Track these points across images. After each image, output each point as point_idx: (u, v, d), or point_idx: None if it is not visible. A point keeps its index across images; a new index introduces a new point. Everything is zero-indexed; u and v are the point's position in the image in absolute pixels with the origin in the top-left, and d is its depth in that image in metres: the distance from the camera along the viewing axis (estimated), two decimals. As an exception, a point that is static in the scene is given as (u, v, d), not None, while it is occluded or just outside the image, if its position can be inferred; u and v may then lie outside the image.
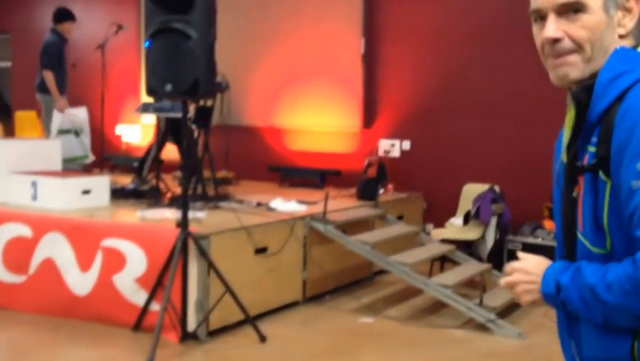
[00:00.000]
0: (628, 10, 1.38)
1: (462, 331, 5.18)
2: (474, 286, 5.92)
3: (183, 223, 4.61)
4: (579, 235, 1.44)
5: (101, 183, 5.99)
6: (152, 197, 6.16)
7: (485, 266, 6.08)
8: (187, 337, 4.68)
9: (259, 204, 6.09)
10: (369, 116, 7.97)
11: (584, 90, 1.37)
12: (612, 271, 1.32)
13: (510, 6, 7.08)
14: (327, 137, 8.18)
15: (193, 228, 4.76)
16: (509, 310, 5.58)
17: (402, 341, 4.96)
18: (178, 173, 6.86)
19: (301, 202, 6.24)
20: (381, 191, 7.10)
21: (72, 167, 6.97)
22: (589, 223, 1.37)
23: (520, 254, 1.57)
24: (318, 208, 5.93)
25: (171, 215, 5.29)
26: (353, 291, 6.19)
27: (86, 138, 7.29)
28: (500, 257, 6.64)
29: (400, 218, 6.97)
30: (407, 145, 7.80)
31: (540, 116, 7.00)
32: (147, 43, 4.63)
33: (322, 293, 5.96)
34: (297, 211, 5.92)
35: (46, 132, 7.34)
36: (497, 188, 6.79)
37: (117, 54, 8.99)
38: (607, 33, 1.37)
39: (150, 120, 8.51)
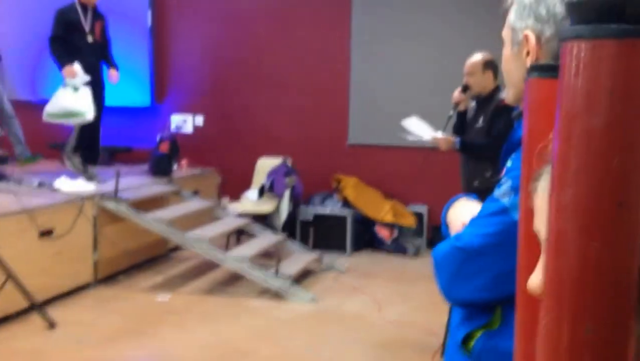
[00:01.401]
0: (527, 51, 1.39)
1: (259, 301, 5.30)
2: (270, 257, 6.06)
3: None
4: None
5: None
6: None
7: (280, 237, 6.25)
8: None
9: (40, 184, 5.75)
10: (160, 91, 7.81)
11: (518, 115, 1.44)
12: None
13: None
14: (115, 112, 7.87)
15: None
16: (303, 276, 5.81)
17: (200, 316, 4.97)
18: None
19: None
20: (175, 167, 7.02)
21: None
22: None
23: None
24: (109, 187, 5.73)
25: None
26: (149, 270, 6.08)
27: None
28: (293, 227, 6.86)
29: (195, 193, 6.94)
30: (200, 120, 7.76)
31: (328, 92, 7.30)
32: None
33: (115, 273, 5.78)
34: (85, 190, 5.67)
35: None
36: (289, 162, 6.99)
37: None
38: (515, 67, 1.40)
39: None
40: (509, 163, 1.34)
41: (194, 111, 7.74)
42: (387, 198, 7.06)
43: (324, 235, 6.80)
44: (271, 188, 6.70)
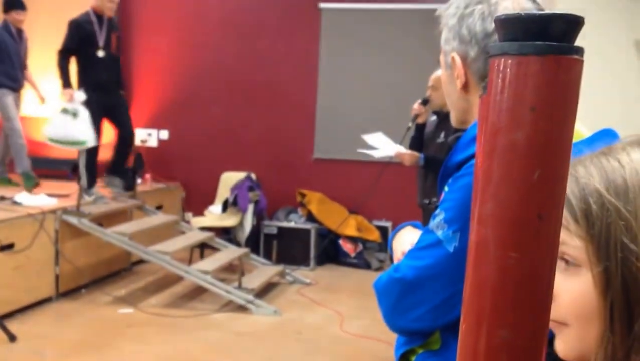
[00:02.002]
0: (456, 74, 1.40)
1: (221, 314, 5.30)
2: (234, 270, 6.07)
3: None
4: None
5: None
6: None
7: (244, 250, 6.26)
8: None
9: (1, 198, 5.69)
10: (125, 105, 7.76)
11: (455, 139, 1.44)
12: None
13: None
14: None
15: None
16: (266, 289, 5.82)
17: (161, 329, 4.95)
18: None
19: (51, 194, 5.93)
20: (139, 181, 6.99)
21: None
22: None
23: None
24: (71, 201, 5.69)
25: None
26: (111, 283, 6.04)
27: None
28: (257, 241, 6.88)
29: (159, 207, 6.92)
30: (164, 134, 7.75)
31: (294, 107, 7.34)
32: None
33: (77, 287, 5.73)
34: (46, 204, 5.62)
35: None
36: (253, 176, 7.02)
37: None
38: (452, 90, 1.40)
39: None
40: (446, 188, 1.34)
41: (158, 125, 7.73)
42: (352, 213, 7.12)
43: (287, 248, 6.83)
44: (235, 202, 6.71)
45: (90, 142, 5.74)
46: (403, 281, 1.32)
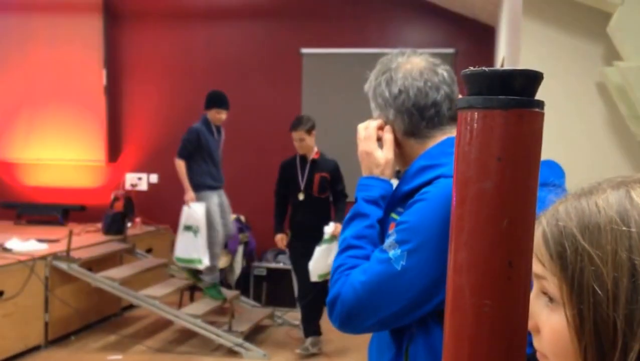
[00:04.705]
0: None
1: (212, 358, 5.27)
2: (224, 313, 6.04)
3: None
4: None
5: None
6: None
7: (234, 293, 6.24)
8: None
9: (-8, 245, 5.68)
10: (114, 150, 7.82)
11: (398, 172, 1.58)
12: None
13: (248, 43, 7.45)
14: (69, 170, 7.85)
15: None
16: (256, 332, 5.80)
17: (152, 375, 4.91)
18: None
19: (41, 240, 5.92)
20: (129, 225, 6.98)
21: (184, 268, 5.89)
22: None
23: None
24: (61, 246, 5.69)
25: None
26: (101, 329, 5.99)
27: (202, 239, 5.71)
28: (247, 282, 6.86)
29: (149, 251, 6.91)
30: (154, 178, 7.77)
31: (278, 149, 7.38)
32: None
33: (67, 334, 5.69)
34: (36, 250, 5.61)
35: None
36: (242, 218, 7.03)
37: None
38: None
39: None
40: (394, 216, 1.49)
41: (149, 169, 7.76)
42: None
43: (277, 290, 6.80)
44: (225, 244, 6.71)
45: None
46: (353, 296, 1.42)
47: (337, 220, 5.34)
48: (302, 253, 5.37)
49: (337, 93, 7.34)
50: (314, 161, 5.55)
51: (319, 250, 5.18)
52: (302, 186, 5.50)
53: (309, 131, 5.52)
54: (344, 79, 7.26)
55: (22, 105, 7.83)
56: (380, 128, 1.59)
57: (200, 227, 5.66)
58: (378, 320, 1.42)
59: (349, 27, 7.39)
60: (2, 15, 7.88)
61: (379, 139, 1.59)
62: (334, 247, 5.22)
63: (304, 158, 5.58)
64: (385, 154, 1.57)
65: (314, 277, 5.16)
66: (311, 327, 5.44)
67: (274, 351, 5.40)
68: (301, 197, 5.50)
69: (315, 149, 5.59)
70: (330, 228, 5.23)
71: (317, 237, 5.21)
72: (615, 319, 0.69)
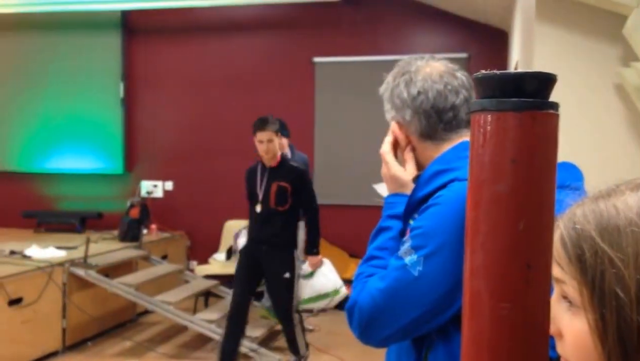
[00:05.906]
0: (399, 139, 1.59)
1: (227, 364, 5.26)
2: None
3: None
4: None
5: None
6: None
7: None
8: None
9: (12, 252, 5.73)
10: (131, 158, 7.90)
11: (415, 178, 1.57)
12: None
13: (261, 54, 7.49)
14: (86, 180, 7.95)
15: None
16: (271, 337, 5.80)
17: (169, 381, 4.93)
18: None
19: (60, 247, 5.98)
20: (145, 232, 7.03)
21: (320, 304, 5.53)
22: None
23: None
24: (79, 253, 5.73)
25: None
26: (117, 335, 6.03)
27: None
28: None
29: (164, 257, 6.94)
30: (169, 185, 7.82)
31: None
32: None
33: (84, 340, 5.73)
34: (55, 257, 5.66)
35: None
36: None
37: None
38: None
39: None
40: (411, 222, 1.46)
41: (164, 177, 7.81)
42: (352, 257, 7.12)
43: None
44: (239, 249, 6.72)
45: (343, 289, 5.35)
46: (370, 303, 1.41)
47: (310, 245, 4.95)
48: (247, 266, 4.97)
49: (350, 102, 7.37)
50: (272, 169, 4.88)
51: (301, 282, 5.07)
52: (260, 197, 4.89)
53: (277, 132, 4.87)
54: (356, 86, 7.28)
55: (44, 118, 7.98)
56: (394, 143, 1.59)
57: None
58: (398, 328, 1.39)
59: (360, 35, 7.41)
60: (26, 33, 8.08)
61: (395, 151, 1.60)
62: (315, 280, 5.19)
63: (264, 165, 4.94)
64: (409, 172, 1.57)
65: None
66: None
67: (288, 356, 5.39)
68: (258, 208, 4.88)
69: (279, 155, 4.90)
70: (306, 265, 5.07)
71: (271, 255, 4.81)
72: (639, 323, 0.68)
